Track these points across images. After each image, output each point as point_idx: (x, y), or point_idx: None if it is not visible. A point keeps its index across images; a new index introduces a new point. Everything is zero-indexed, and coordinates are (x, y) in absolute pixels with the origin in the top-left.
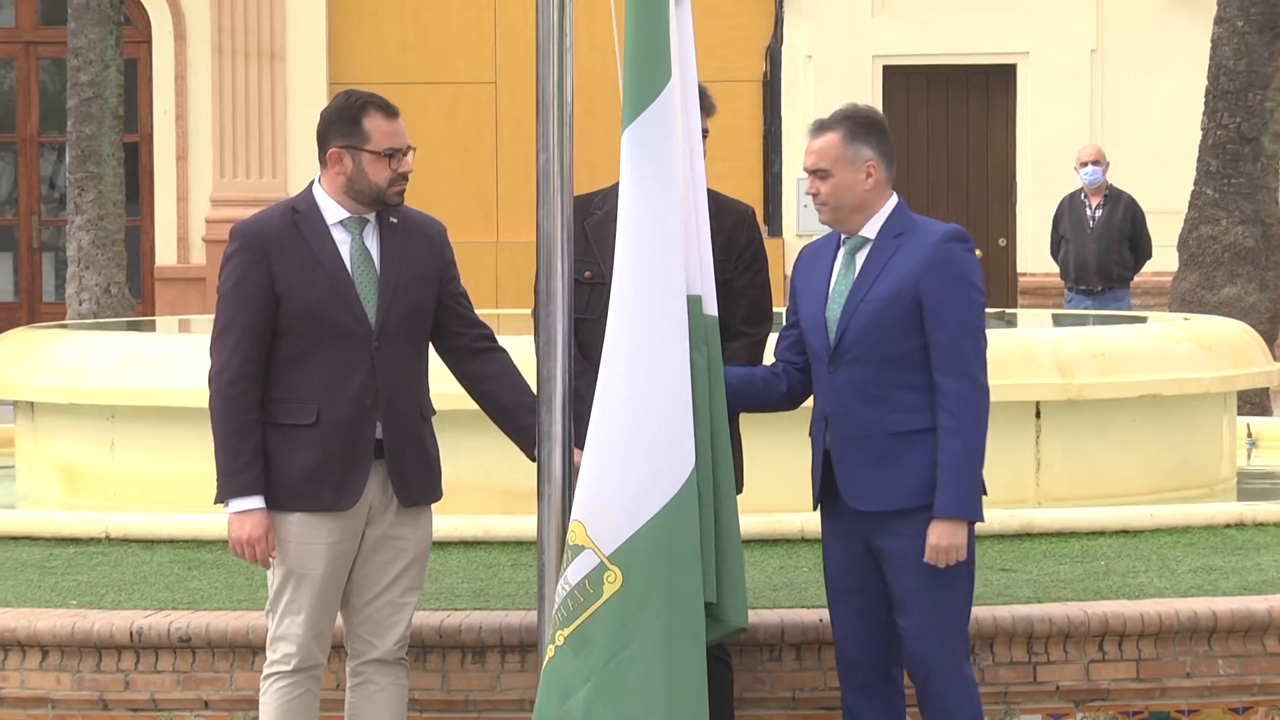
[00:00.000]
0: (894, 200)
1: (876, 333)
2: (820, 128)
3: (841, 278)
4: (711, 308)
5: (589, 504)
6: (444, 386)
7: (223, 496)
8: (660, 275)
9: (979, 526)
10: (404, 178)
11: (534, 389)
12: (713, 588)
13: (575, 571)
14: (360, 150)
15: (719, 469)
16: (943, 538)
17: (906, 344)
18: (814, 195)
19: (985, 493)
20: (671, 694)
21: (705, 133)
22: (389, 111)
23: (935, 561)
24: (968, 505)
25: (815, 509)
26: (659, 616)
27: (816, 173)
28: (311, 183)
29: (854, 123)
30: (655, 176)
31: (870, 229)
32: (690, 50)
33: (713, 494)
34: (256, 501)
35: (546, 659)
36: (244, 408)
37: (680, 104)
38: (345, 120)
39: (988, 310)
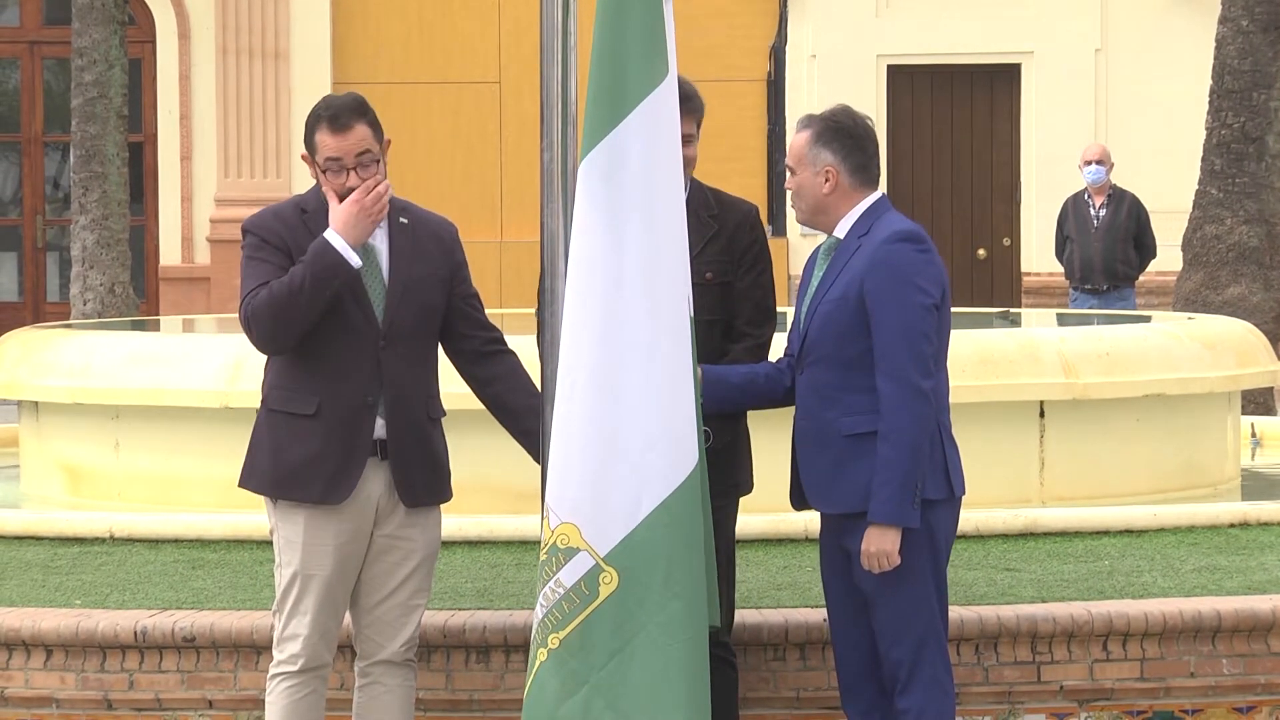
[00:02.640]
0: (869, 200)
1: (831, 335)
2: (800, 125)
3: (817, 279)
4: (690, 308)
5: (582, 506)
6: (446, 386)
7: (319, 248)
8: (658, 273)
9: (982, 525)
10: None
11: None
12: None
13: (569, 574)
14: (315, 160)
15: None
16: (871, 543)
17: (857, 346)
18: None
19: (920, 497)
20: (675, 688)
21: (694, 136)
22: (335, 126)
23: (869, 567)
24: (896, 511)
25: (795, 509)
26: (660, 613)
27: (788, 168)
28: (318, 182)
29: (824, 126)
30: (654, 172)
31: (842, 229)
32: (669, 52)
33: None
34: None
35: (537, 663)
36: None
37: (658, 110)
38: (307, 129)
39: (989, 310)
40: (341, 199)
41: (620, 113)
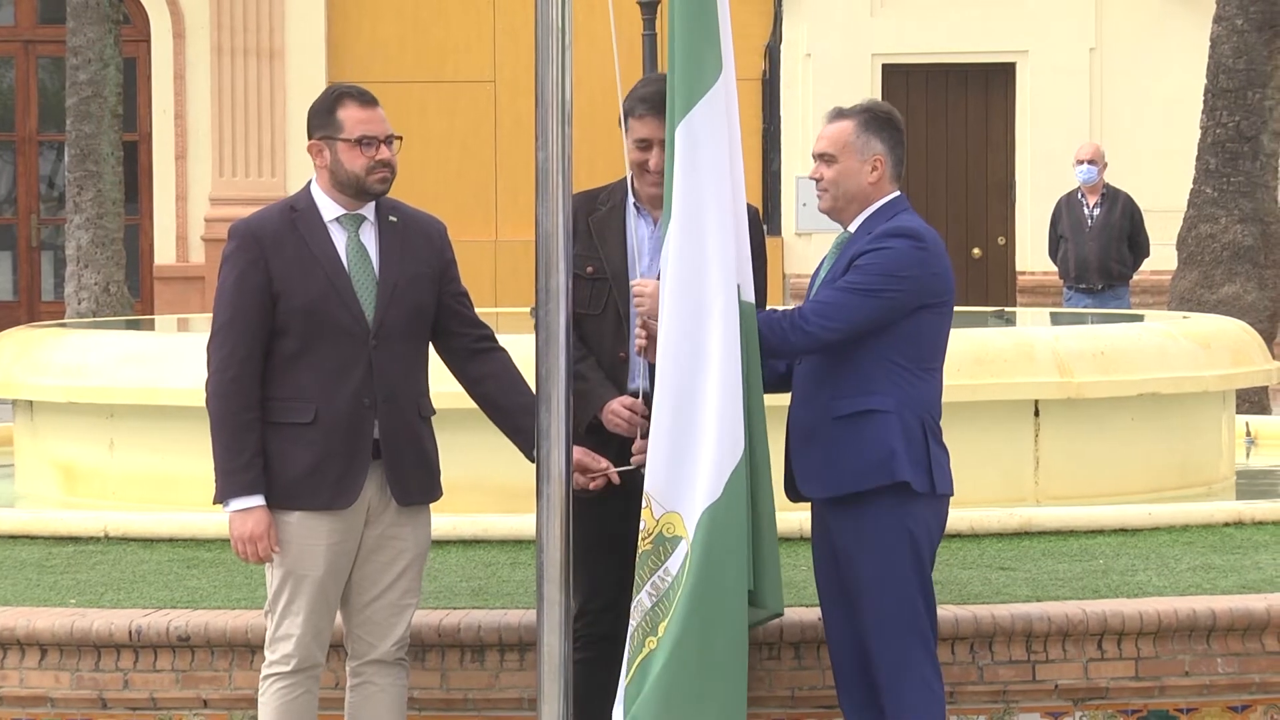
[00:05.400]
0: (888, 197)
1: None
2: (837, 115)
3: (824, 272)
4: (749, 294)
5: (684, 495)
6: (441, 385)
7: (222, 496)
8: (714, 268)
9: (977, 524)
10: (384, 165)
11: (534, 388)
12: (751, 575)
13: (675, 563)
14: (336, 140)
15: (756, 456)
16: None
17: None
18: (817, 181)
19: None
20: (713, 685)
21: None
22: (364, 100)
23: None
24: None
25: (791, 500)
26: (703, 607)
27: (823, 157)
28: (310, 181)
29: (871, 115)
30: (711, 171)
31: (855, 223)
32: (730, 45)
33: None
34: (257, 500)
35: (645, 651)
36: (242, 406)
37: (726, 97)
38: (322, 112)
39: (984, 309)
40: (369, 172)
41: (686, 105)
